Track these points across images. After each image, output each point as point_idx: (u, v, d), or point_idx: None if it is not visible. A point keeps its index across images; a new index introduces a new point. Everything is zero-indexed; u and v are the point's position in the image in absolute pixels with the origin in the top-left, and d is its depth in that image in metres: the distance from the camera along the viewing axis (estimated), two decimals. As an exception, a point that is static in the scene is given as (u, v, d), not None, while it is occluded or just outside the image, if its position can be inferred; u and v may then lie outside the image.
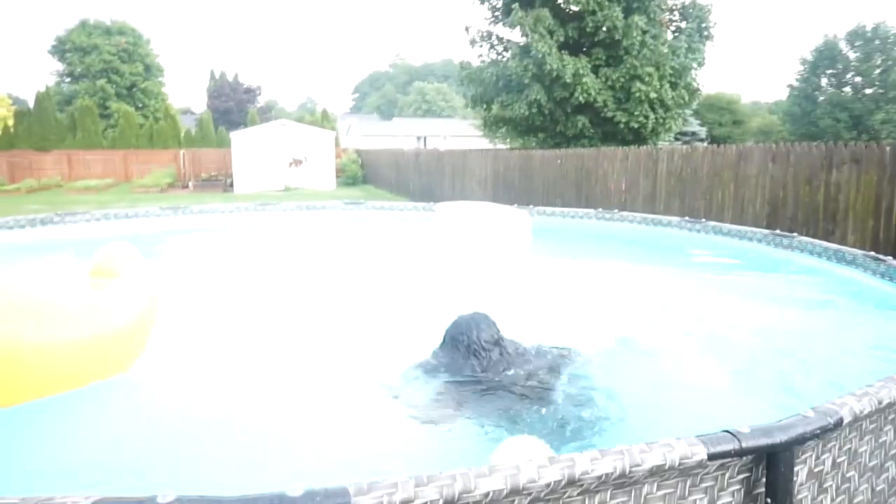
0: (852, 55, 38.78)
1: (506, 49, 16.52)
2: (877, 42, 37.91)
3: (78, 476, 1.84)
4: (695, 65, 15.14)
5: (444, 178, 19.03)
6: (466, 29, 16.64)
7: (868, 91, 38.22)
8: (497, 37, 16.60)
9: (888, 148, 6.16)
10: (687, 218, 6.91)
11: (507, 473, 1.14)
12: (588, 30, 14.67)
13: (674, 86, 14.92)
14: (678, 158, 9.68)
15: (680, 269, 5.64)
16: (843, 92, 38.78)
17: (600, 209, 7.97)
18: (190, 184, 24.84)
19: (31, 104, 25.75)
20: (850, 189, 6.66)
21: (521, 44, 15.60)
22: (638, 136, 15.36)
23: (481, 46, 16.77)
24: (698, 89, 15.72)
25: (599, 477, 1.19)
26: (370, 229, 7.72)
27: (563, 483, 1.17)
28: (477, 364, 2.30)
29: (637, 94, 14.47)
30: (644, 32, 14.44)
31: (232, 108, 40.14)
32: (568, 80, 14.21)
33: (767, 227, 7.11)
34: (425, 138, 50.84)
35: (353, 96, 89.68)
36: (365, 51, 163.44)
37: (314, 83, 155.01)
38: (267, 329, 3.28)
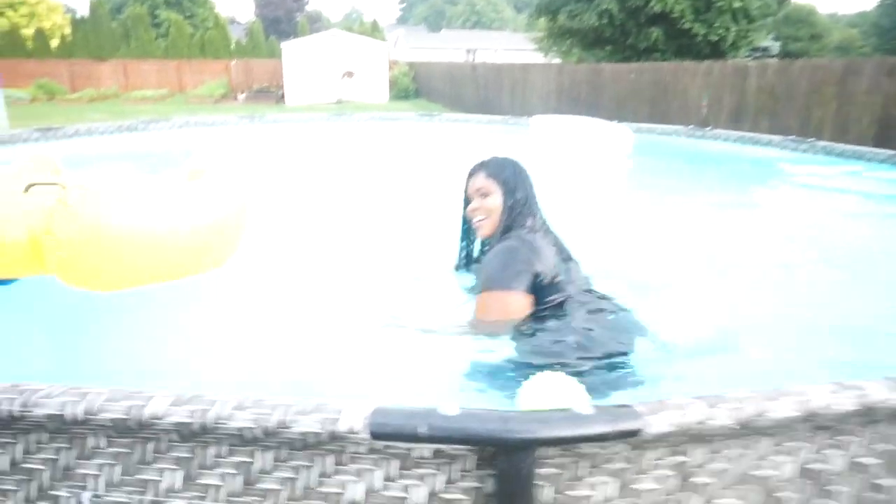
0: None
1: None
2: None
3: (162, 368, 1.86)
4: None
5: (502, 92, 18.40)
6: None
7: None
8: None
9: None
10: (792, 137, 6.45)
11: (797, 399, 1.02)
12: (669, -70, 13.48)
13: (761, -6, 13.76)
14: (771, 73, 8.99)
15: (792, 190, 5.28)
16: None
17: (691, 125, 7.51)
18: (240, 96, 24.67)
19: (81, 13, 25.66)
20: None
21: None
22: (716, 51, 14.35)
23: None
24: (788, -2, 14.45)
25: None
26: (449, 142, 7.50)
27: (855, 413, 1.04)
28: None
29: (719, 4, 13.39)
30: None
31: (280, 16, 39.25)
32: (644, -13, 13.24)
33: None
34: (475, 51, 49.02)
35: (399, 6, 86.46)
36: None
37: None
38: (347, 240, 3.18)
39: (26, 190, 2.39)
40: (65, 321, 2.27)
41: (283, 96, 24.95)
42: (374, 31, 31.24)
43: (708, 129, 7.26)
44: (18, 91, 20.20)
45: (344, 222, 3.58)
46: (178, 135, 6.54)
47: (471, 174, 2.05)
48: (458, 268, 2.34)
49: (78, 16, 28.21)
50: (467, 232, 2.23)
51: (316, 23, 39.52)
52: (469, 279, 2.22)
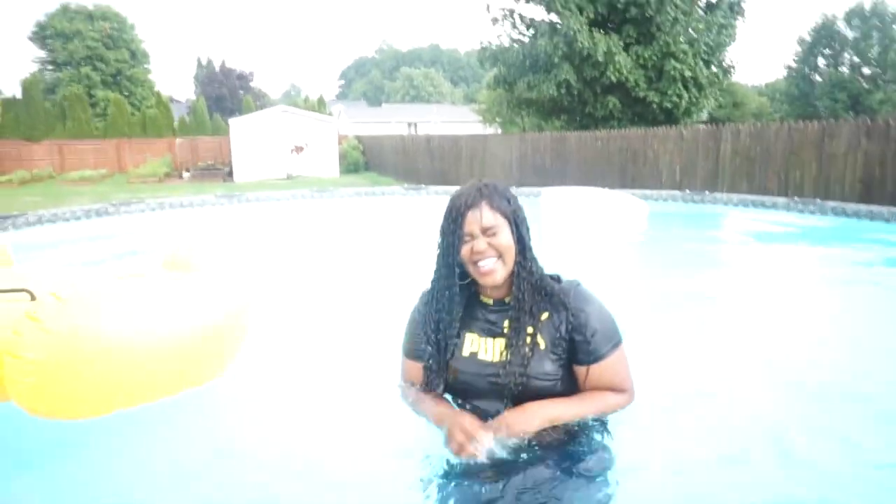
0: (850, 34, 38.70)
1: (529, 27, 15.86)
2: (875, 21, 37.84)
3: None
4: (728, 41, 14.65)
5: (461, 163, 18.47)
6: (488, 7, 15.96)
7: (866, 71, 38.20)
8: (520, 15, 15.94)
9: None
10: (796, 198, 6.43)
11: None
12: (619, 6, 14.09)
13: (707, 63, 14.44)
14: (745, 137, 9.20)
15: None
16: (840, 72, 38.71)
17: (685, 190, 7.46)
18: (185, 174, 23.88)
19: (12, 93, 24.45)
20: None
21: (549, 21, 14.97)
22: (670, 117, 14.88)
23: (502, 25, 16.10)
24: (732, 67, 15.26)
25: None
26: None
27: None
28: None
29: (671, 73, 13.96)
30: (677, 7, 13.90)
31: (225, 94, 38.93)
32: (599, 59, 13.65)
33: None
34: (416, 124, 50.10)
35: (339, 83, 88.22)
36: (350, 36, 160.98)
37: (298, 70, 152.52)
38: (358, 328, 2.93)
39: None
40: (33, 450, 1.86)
41: (230, 173, 24.31)
42: (319, 106, 31.34)
43: (705, 192, 7.23)
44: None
45: (348, 305, 3.27)
46: (152, 217, 5.92)
47: (468, 206, 1.57)
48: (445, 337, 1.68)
49: (9, 95, 26.98)
50: (458, 279, 1.63)
51: (259, 100, 39.42)
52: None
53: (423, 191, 7.75)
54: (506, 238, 1.57)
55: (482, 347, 1.62)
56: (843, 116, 30.95)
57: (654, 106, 14.53)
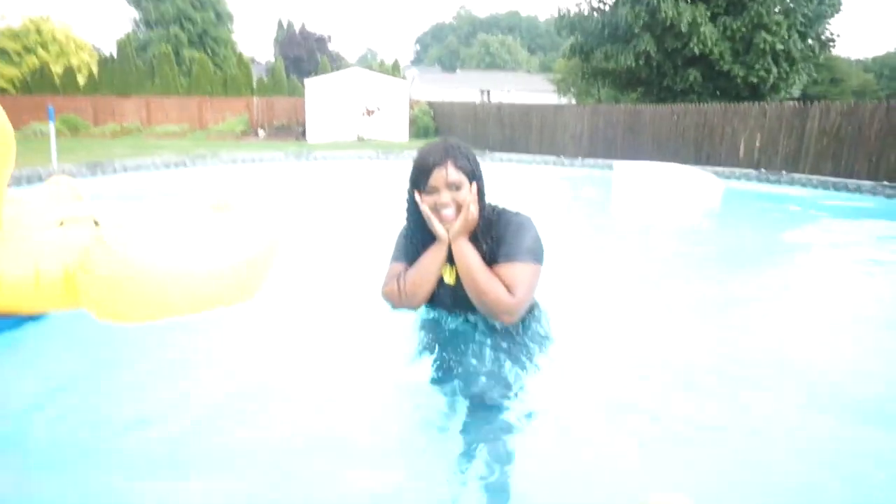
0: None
1: (610, -6, 15.28)
2: None
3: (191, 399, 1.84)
4: (832, 11, 13.56)
5: (530, 133, 18.18)
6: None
7: None
8: (601, -19, 15.38)
9: None
10: (885, 182, 5.98)
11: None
12: (708, -28, 13.34)
13: (803, 36, 13.47)
14: (836, 115, 8.61)
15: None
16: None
17: (760, 169, 7.09)
18: (260, 131, 24.64)
19: (108, 52, 25.85)
20: None
21: (632, -12, 14.35)
22: (755, 93, 14.06)
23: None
24: (832, 40, 14.16)
25: None
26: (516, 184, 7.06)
27: None
28: None
29: (760, 46, 13.12)
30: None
31: (303, 56, 39.63)
32: (683, 30, 12.99)
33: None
34: (489, 91, 49.47)
35: (414, 48, 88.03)
36: (428, 1, 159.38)
37: (374, 35, 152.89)
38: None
39: (60, 224, 2.36)
40: (89, 357, 2.16)
41: (303, 133, 24.87)
42: (394, 70, 31.42)
43: (782, 173, 6.84)
44: (43, 125, 20.23)
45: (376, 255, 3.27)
46: (225, 170, 6.19)
47: (433, 166, 1.83)
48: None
49: (106, 54, 28.57)
50: (421, 228, 1.96)
51: (336, 62, 39.91)
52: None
53: (488, 157, 7.72)
54: (465, 193, 1.84)
55: (446, 272, 1.95)
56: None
57: (739, 80, 13.75)
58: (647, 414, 1.78)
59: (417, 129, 26.83)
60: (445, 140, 1.91)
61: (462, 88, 46.25)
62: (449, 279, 1.95)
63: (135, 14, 35.17)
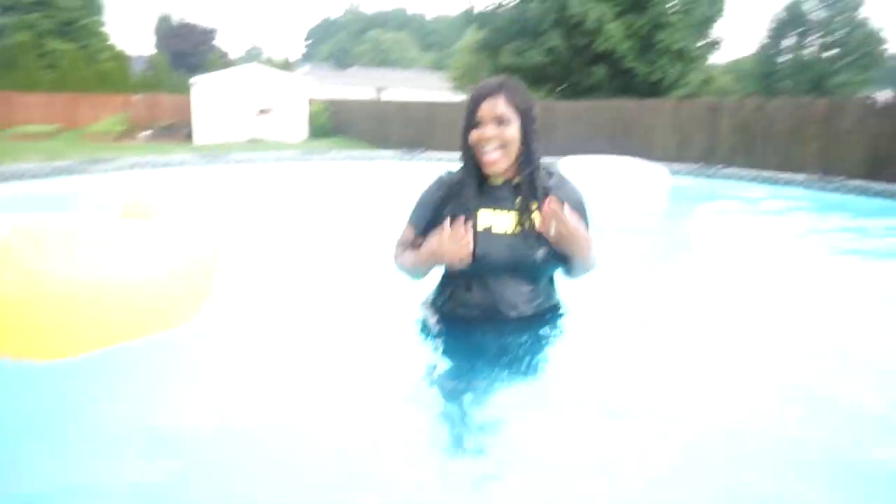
0: (819, 15, 39.09)
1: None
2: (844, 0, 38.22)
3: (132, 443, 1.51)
4: (718, 15, 14.40)
5: (435, 130, 17.95)
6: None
7: (829, 53, 38.65)
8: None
9: None
10: (817, 175, 6.21)
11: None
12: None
13: (697, 37, 14.17)
14: (746, 112, 8.98)
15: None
16: (803, 54, 39.10)
17: (700, 164, 7.18)
18: (143, 133, 22.61)
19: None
20: None
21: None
22: (654, 90, 14.62)
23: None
24: (719, 42, 15.05)
25: None
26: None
27: None
28: None
29: (660, 45, 13.64)
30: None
31: (186, 50, 37.05)
32: (590, 27, 13.23)
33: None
34: (384, 89, 48.87)
35: (304, 44, 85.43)
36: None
37: (259, 30, 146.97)
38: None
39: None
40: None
41: (190, 134, 23.14)
42: (284, 67, 30.05)
43: (717, 167, 6.99)
44: None
45: (324, 262, 3.15)
46: (125, 177, 5.33)
47: (484, 96, 1.73)
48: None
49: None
50: (468, 164, 1.82)
51: (220, 59, 37.71)
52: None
53: (419, 157, 7.29)
54: (512, 132, 1.71)
55: (495, 221, 1.77)
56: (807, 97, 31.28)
57: (640, 78, 14.23)
58: (638, 414, 1.65)
59: (315, 128, 25.78)
60: (506, 75, 1.84)
61: (357, 86, 45.31)
62: (508, 228, 1.77)
63: (-16, -2, 31.15)
